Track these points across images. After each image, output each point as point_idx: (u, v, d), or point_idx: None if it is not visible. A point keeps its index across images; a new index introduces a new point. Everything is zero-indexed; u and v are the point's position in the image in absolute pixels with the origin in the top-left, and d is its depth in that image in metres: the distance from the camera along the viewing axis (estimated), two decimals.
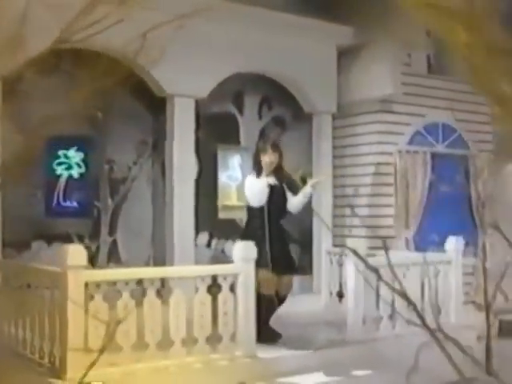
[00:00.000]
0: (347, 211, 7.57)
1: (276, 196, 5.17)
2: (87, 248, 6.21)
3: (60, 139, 6.03)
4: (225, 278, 4.35)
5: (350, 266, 5.22)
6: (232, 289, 4.36)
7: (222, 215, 6.93)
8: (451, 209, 7.70)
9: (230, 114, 7.31)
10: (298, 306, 5.78)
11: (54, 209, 6.06)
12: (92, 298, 3.68)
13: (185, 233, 5.77)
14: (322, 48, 7.26)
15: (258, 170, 5.17)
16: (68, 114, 6.03)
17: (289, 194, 5.30)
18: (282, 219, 5.32)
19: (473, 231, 8.03)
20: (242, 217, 6.58)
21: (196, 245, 6.51)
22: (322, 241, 7.31)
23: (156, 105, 6.27)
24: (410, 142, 7.60)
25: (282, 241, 5.20)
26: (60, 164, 6.11)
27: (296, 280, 6.92)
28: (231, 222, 6.94)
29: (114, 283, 3.77)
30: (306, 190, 5.31)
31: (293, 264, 5.31)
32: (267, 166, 5.15)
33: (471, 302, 7.06)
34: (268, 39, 6.61)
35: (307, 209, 7.53)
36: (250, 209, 5.20)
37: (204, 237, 6.90)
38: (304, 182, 5.33)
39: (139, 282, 3.89)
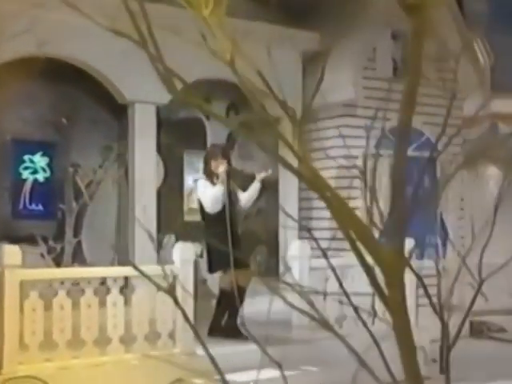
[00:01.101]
0: (313, 213, 7.99)
1: (232, 199, 5.67)
2: (52, 249, 6.80)
3: (26, 144, 6.42)
4: (163, 279, 4.71)
5: (295, 265, 5.56)
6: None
7: (188, 218, 7.40)
8: (419, 212, 8.06)
9: (197, 119, 7.74)
10: (262, 306, 6.17)
11: (20, 211, 6.41)
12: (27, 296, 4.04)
13: (146, 235, 6.18)
14: (287, 54, 7.65)
15: (209, 175, 5.64)
16: (34, 120, 6.47)
17: (239, 192, 5.80)
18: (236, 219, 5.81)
19: (442, 234, 8.45)
20: None
21: (162, 247, 6.99)
22: (288, 243, 7.71)
23: (120, 110, 6.63)
24: (377, 146, 7.97)
25: (237, 241, 5.69)
26: (26, 168, 6.45)
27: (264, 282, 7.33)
28: (197, 224, 7.39)
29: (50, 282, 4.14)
30: (255, 185, 5.82)
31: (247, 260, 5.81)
32: (223, 173, 5.59)
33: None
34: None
35: (274, 210, 8.00)
36: (208, 215, 5.67)
37: (170, 239, 7.35)
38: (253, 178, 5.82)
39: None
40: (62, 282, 4.20)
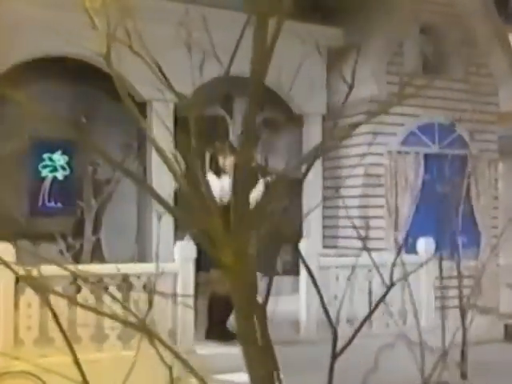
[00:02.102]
0: (337, 212, 7.98)
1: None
2: (70, 246, 6.90)
3: (45, 143, 6.56)
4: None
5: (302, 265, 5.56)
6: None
7: None
8: (449, 210, 7.96)
9: (220, 117, 7.78)
10: (277, 306, 6.17)
11: (39, 209, 6.57)
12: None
13: (164, 232, 6.26)
14: (311, 50, 7.65)
15: (217, 171, 5.69)
16: (54, 118, 6.59)
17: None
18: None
19: (474, 233, 8.34)
20: None
21: None
22: (312, 242, 7.73)
23: (140, 108, 6.72)
24: (404, 143, 7.94)
25: None
26: (45, 167, 6.61)
27: (288, 280, 7.37)
28: None
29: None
30: (258, 187, 5.80)
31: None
32: (230, 167, 5.65)
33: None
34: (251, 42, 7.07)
35: (298, 210, 8.00)
36: None
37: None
38: None
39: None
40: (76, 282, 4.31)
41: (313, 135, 7.98)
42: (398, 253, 6.63)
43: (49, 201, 6.57)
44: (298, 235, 7.90)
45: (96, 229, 6.89)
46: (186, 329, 4.80)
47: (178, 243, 5.06)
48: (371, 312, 2.41)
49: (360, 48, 7.33)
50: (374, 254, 7.04)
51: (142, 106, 6.66)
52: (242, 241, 1.76)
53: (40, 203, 6.57)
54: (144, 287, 4.61)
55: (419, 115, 7.96)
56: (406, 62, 7.94)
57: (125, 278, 4.54)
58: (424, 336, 5.60)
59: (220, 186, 5.59)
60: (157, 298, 4.62)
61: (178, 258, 4.87)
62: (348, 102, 7.71)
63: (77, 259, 6.62)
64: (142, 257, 6.66)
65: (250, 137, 1.83)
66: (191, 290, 4.85)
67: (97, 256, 6.82)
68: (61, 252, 6.69)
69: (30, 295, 4.25)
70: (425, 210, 7.82)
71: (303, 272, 5.46)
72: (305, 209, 7.88)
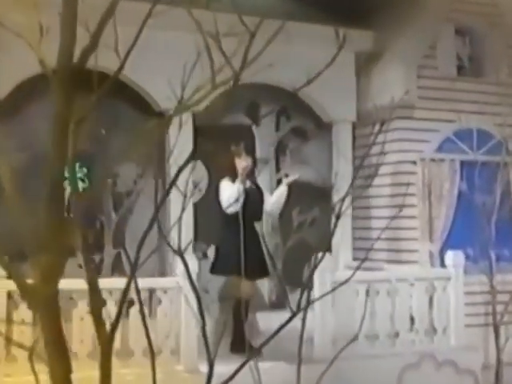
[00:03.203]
0: (369, 223, 7.86)
1: (251, 200, 5.64)
2: (90, 260, 6.89)
3: None
4: (165, 292, 4.72)
5: (316, 278, 5.42)
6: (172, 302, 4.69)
7: None
8: (489, 221, 7.73)
9: (245, 126, 7.76)
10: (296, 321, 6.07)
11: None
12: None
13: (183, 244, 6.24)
14: (339, 55, 7.58)
15: (233, 175, 5.68)
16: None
17: (267, 195, 5.77)
18: (257, 222, 5.77)
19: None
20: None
21: (207, 257, 7.02)
22: (341, 254, 7.65)
23: (160, 118, 6.79)
24: (439, 150, 7.78)
25: (256, 245, 5.65)
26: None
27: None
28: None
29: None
30: (281, 189, 5.79)
31: (266, 268, 5.74)
32: (243, 171, 5.64)
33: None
34: (280, 49, 7.04)
35: (326, 221, 7.91)
36: (224, 215, 5.67)
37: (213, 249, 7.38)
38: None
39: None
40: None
41: (343, 143, 7.90)
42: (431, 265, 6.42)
43: (67, 214, 6.61)
44: (326, 247, 7.83)
45: (116, 242, 6.92)
46: (189, 346, 4.75)
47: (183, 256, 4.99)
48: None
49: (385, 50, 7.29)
50: (399, 268, 6.91)
51: (161, 116, 6.69)
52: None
53: None
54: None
55: (454, 120, 7.81)
56: (439, 65, 7.81)
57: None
58: (453, 355, 5.45)
59: (229, 192, 5.58)
60: (158, 315, 4.58)
61: (180, 272, 4.83)
62: (378, 107, 7.61)
63: (97, 273, 6.62)
64: (163, 270, 6.67)
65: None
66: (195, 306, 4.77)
67: (118, 270, 6.85)
68: (80, 266, 6.67)
69: (23, 310, 4.26)
70: (461, 221, 7.64)
71: (317, 286, 5.37)
72: (333, 220, 7.73)
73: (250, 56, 2.65)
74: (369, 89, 7.80)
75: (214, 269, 5.90)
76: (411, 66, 7.32)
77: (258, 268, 5.59)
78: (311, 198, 7.96)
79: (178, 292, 4.80)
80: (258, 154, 7.82)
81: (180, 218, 2.86)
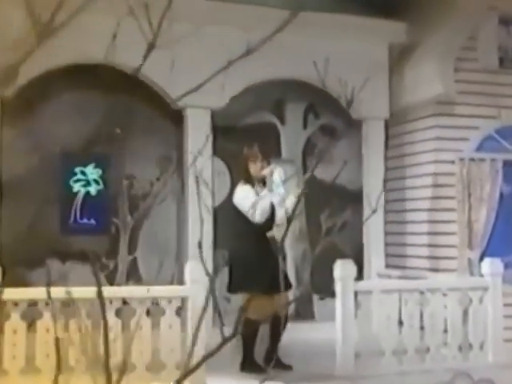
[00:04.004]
0: (404, 228, 7.55)
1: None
2: (104, 266, 6.78)
3: (77, 156, 6.53)
4: (170, 302, 4.50)
5: (338, 288, 5.14)
6: (178, 313, 4.46)
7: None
8: None
9: (270, 124, 7.51)
10: (323, 332, 5.81)
11: (70, 226, 6.49)
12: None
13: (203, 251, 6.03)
14: (371, 48, 7.32)
15: (248, 180, 5.37)
16: (86, 130, 6.56)
17: (274, 199, 5.44)
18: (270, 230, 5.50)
19: None
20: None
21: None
22: (373, 261, 7.35)
23: (178, 117, 6.59)
24: (479, 149, 7.42)
25: (272, 256, 5.36)
26: (77, 181, 6.55)
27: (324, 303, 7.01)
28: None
29: (35, 303, 4.05)
30: (290, 199, 5.46)
31: (286, 279, 5.45)
32: (257, 175, 5.34)
33: None
34: (307, 42, 6.80)
35: (358, 225, 7.63)
36: (238, 223, 5.38)
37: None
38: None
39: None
40: (47, 303, 4.11)
41: (374, 142, 7.59)
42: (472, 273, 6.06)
43: (81, 217, 6.49)
44: (357, 253, 7.58)
45: (131, 248, 6.77)
46: (195, 361, 4.49)
47: (189, 263, 4.75)
48: None
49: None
50: (433, 276, 6.56)
51: (178, 114, 6.50)
52: None
53: (71, 220, 6.49)
54: (148, 313, 4.34)
55: (496, 117, 7.44)
56: (480, 57, 7.45)
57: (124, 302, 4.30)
58: (490, 374, 5.11)
59: (263, 202, 5.30)
60: (163, 327, 4.36)
61: (188, 280, 4.59)
62: (412, 103, 7.28)
63: (111, 280, 6.51)
64: (182, 278, 6.46)
65: None
66: (202, 317, 4.52)
67: (133, 277, 6.70)
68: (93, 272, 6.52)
69: (15, 321, 4.10)
70: (503, 226, 7.27)
71: (339, 296, 5.08)
72: (365, 224, 7.49)
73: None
74: (403, 84, 7.48)
75: (232, 287, 5.56)
76: (448, 58, 6.98)
77: (276, 282, 5.31)
78: (340, 200, 7.69)
79: (185, 302, 4.56)
80: (284, 154, 7.58)
81: (201, 224, 2.65)
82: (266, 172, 5.37)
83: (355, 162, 7.70)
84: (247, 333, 5.13)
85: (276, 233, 5.95)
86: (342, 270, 5.13)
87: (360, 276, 7.42)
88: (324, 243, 7.59)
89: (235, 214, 5.43)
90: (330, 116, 7.76)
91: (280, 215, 5.49)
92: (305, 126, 7.76)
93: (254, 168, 5.42)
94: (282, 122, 7.62)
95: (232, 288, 5.43)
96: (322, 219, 7.61)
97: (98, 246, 6.62)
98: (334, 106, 7.56)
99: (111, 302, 4.21)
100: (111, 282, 6.42)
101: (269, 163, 5.47)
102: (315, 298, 7.47)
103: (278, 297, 5.08)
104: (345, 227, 7.75)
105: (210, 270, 5.92)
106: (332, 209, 7.66)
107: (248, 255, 5.25)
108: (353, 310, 5.08)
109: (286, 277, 5.49)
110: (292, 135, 7.67)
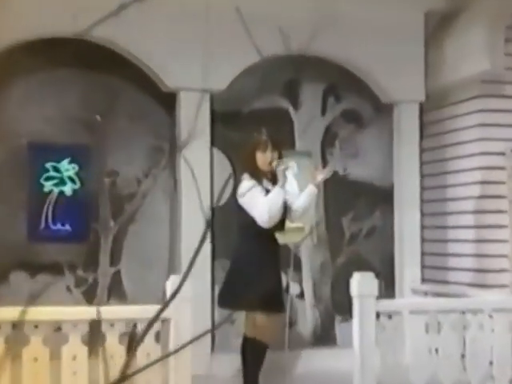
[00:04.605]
0: (444, 234, 7.48)
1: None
2: (81, 281, 6.80)
3: (48, 148, 6.52)
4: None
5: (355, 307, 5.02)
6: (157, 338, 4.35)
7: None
8: None
9: (281, 110, 7.45)
10: (345, 361, 5.73)
11: (41, 233, 6.49)
12: None
13: (199, 262, 5.98)
14: (403, 18, 7.27)
15: (255, 174, 5.31)
16: (59, 118, 6.57)
17: (288, 198, 5.37)
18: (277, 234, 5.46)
19: None
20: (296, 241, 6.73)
21: None
22: (406, 274, 7.28)
23: (171, 102, 6.58)
24: None
25: (275, 268, 5.35)
26: (49, 179, 6.53)
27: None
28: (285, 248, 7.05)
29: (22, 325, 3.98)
30: (309, 189, 5.39)
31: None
32: (265, 168, 5.30)
33: None
34: (325, 11, 6.76)
35: (388, 231, 7.56)
36: (245, 227, 5.33)
37: None
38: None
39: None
40: (36, 326, 4.07)
41: (407, 130, 7.53)
42: None
43: (53, 223, 6.50)
44: (387, 264, 7.51)
45: (114, 258, 6.77)
46: None
47: (171, 278, 4.65)
48: None
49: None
50: (477, 293, 6.44)
51: (171, 98, 6.49)
52: None
53: (42, 225, 6.49)
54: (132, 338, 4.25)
55: None
56: None
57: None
58: None
59: (273, 201, 5.23)
60: (139, 356, 4.25)
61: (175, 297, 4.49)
62: (453, 83, 7.16)
63: (90, 297, 6.49)
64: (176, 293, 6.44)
65: None
66: (186, 339, 4.42)
67: (116, 293, 6.69)
68: (68, 288, 6.58)
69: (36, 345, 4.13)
70: None
71: (357, 316, 4.98)
72: (397, 229, 7.43)
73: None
74: (441, 60, 7.42)
75: (221, 301, 5.51)
76: (498, 27, 6.89)
77: (279, 298, 5.28)
78: (367, 201, 7.62)
79: (167, 324, 4.43)
80: (298, 144, 7.52)
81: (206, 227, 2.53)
82: (276, 165, 5.29)
83: (384, 155, 7.65)
84: (254, 357, 5.13)
85: (288, 238, 5.88)
86: (360, 285, 4.95)
87: (391, 292, 7.39)
88: (347, 252, 7.55)
89: (238, 214, 5.36)
90: (355, 99, 7.72)
91: (294, 217, 5.42)
92: (323, 112, 7.69)
93: (262, 159, 5.35)
94: (296, 106, 7.56)
95: (222, 301, 5.42)
96: (344, 224, 7.56)
97: (73, 256, 6.63)
98: (358, 88, 7.58)
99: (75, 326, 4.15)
100: (90, 300, 6.40)
101: (280, 155, 5.38)
102: (337, 319, 7.40)
103: (276, 317, 5.07)
104: (372, 233, 7.70)
105: (209, 284, 5.84)
106: (357, 211, 7.60)
107: (247, 265, 5.20)
108: (373, 335, 4.95)
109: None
110: (308, 122, 7.59)
